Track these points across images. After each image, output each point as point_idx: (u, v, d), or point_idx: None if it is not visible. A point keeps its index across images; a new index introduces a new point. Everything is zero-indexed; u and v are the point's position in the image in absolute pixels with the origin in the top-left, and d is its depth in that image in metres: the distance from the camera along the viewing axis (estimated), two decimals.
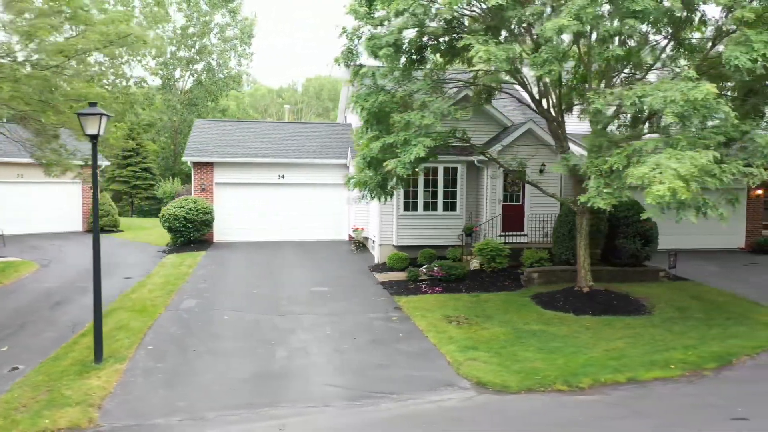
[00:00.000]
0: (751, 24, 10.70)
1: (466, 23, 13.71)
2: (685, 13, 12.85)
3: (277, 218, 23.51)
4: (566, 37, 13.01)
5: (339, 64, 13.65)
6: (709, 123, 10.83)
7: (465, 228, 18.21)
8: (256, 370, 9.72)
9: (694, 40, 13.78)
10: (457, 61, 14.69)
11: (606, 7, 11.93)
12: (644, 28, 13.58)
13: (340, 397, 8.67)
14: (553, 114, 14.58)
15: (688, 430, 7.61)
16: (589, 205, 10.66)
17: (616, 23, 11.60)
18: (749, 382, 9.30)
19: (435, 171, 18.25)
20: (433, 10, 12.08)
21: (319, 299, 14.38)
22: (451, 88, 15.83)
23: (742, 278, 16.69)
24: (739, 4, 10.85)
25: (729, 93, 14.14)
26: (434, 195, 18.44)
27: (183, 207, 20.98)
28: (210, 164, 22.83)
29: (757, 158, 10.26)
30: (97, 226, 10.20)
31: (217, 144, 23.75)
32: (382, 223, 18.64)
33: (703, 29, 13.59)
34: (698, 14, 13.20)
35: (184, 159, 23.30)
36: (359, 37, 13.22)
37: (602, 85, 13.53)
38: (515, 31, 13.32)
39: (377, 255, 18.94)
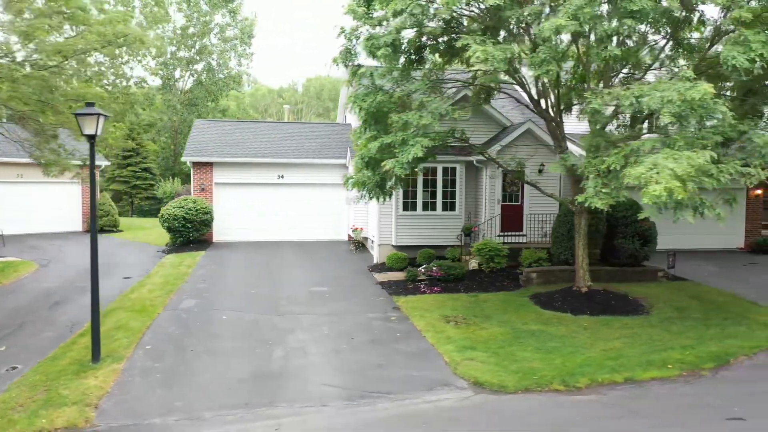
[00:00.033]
0: (748, 24, 10.70)
1: (465, 23, 13.71)
2: (683, 13, 12.85)
3: (276, 218, 23.54)
4: (565, 37, 13.04)
5: (337, 65, 13.66)
6: (708, 123, 10.85)
7: (464, 228, 18.22)
8: (253, 370, 9.73)
9: (693, 40, 13.77)
10: (456, 61, 14.69)
11: (605, 8, 11.96)
12: (643, 28, 13.60)
13: (338, 396, 8.67)
14: (552, 114, 14.59)
15: (684, 430, 7.62)
16: (586, 205, 10.66)
17: (614, 23, 11.62)
18: (746, 382, 9.30)
19: (434, 171, 18.26)
20: (432, 11, 12.07)
21: (318, 299, 14.39)
22: (449, 88, 15.84)
23: (741, 278, 16.69)
24: (737, 4, 10.85)
25: (728, 93, 14.16)
26: (433, 195, 18.44)
27: (182, 207, 21.00)
28: (209, 164, 22.85)
29: (755, 158, 10.25)
30: (95, 225, 10.21)
31: (217, 144, 23.77)
32: (381, 223, 18.65)
33: (702, 29, 13.58)
34: (697, 14, 13.19)
35: (183, 159, 23.32)
36: (357, 38, 13.21)
37: (600, 85, 13.53)
38: (514, 31, 13.32)
39: (376, 255, 18.95)
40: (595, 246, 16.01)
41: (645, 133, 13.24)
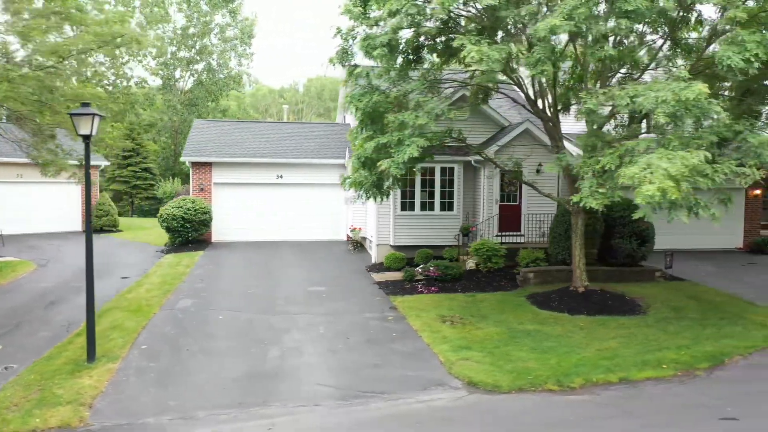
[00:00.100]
0: (744, 24, 10.69)
1: (463, 23, 13.71)
2: (681, 13, 12.84)
3: (275, 218, 23.55)
4: (563, 38, 13.03)
5: (334, 65, 13.68)
6: (706, 123, 10.83)
7: (462, 228, 18.21)
8: (248, 370, 9.74)
9: (690, 40, 13.76)
10: (454, 62, 14.69)
11: (601, 8, 11.94)
12: (640, 28, 13.60)
13: (331, 396, 8.68)
14: (549, 114, 14.58)
15: (677, 430, 7.62)
16: (581, 204, 10.66)
17: (610, 23, 11.60)
18: (741, 382, 9.29)
19: (432, 171, 18.26)
20: (428, 11, 12.07)
21: (315, 299, 14.40)
22: (447, 88, 15.84)
23: (738, 278, 16.67)
24: (733, 4, 10.83)
25: (726, 93, 14.14)
26: (431, 195, 18.45)
27: (181, 207, 21.03)
28: (208, 164, 22.87)
29: (750, 158, 10.24)
30: (90, 225, 10.22)
31: (216, 144, 23.79)
32: (379, 223, 18.66)
33: (700, 29, 13.56)
34: (694, 14, 13.18)
35: (182, 159, 23.36)
36: (354, 38, 13.20)
37: (598, 85, 13.53)
38: (512, 31, 13.32)
39: (374, 255, 18.96)
40: (593, 246, 15.99)
41: (643, 133, 13.22)
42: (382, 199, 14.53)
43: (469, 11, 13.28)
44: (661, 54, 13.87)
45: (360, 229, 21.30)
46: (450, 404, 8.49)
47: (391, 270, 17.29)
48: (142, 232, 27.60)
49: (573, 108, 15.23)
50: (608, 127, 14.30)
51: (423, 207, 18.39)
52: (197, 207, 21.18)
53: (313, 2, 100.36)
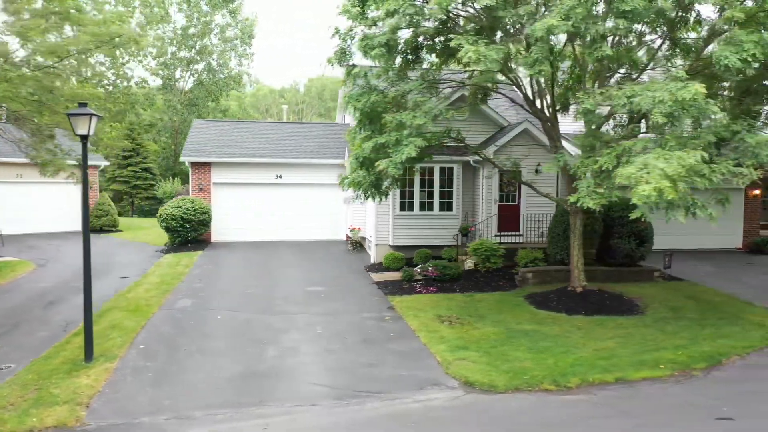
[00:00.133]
0: (742, 24, 10.69)
1: (462, 23, 13.71)
2: (679, 13, 12.83)
3: (274, 218, 23.57)
4: (562, 38, 13.02)
5: (332, 65, 13.67)
6: (704, 123, 10.82)
7: (461, 228, 18.21)
8: (245, 370, 9.75)
9: (689, 40, 13.74)
10: (453, 62, 14.69)
11: (599, 8, 11.94)
12: (639, 28, 13.58)
13: (327, 396, 8.69)
14: (548, 114, 14.58)
15: (672, 430, 7.62)
16: (578, 204, 10.66)
17: (609, 23, 11.60)
18: (737, 382, 9.29)
19: (431, 171, 18.27)
20: (426, 11, 12.08)
21: (314, 299, 14.41)
22: (445, 88, 15.84)
23: (737, 278, 16.65)
24: (731, 4, 10.83)
25: (726, 93, 14.13)
26: (430, 195, 18.45)
27: (180, 207, 21.05)
28: (208, 164, 22.89)
29: (748, 158, 10.24)
30: (87, 224, 10.22)
31: (215, 144, 23.81)
32: (378, 223, 18.67)
33: (699, 29, 13.55)
34: (693, 14, 13.16)
35: (182, 159, 23.37)
36: (352, 38, 13.21)
37: (596, 85, 13.52)
38: (510, 31, 13.31)
39: (373, 255, 18.96)
40: (591, 246, 15.99)
41: (643, 133, 13.22)
42: (380, 199, 14.53)
43: (467, 11, 13.28)
44: (659, 54, 13.87)
45: (359, 229, 21.31)
46: (446, 404, 8.49)
47: (390, 270, 17.30)
48: (141, 232, 27.63)
49: (572, 108, 15.23)
50: (607, 127, 14.29)
51: (422, 207, 18.40)
52: (196, 207, 21.20)
53: (313, 2, 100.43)
